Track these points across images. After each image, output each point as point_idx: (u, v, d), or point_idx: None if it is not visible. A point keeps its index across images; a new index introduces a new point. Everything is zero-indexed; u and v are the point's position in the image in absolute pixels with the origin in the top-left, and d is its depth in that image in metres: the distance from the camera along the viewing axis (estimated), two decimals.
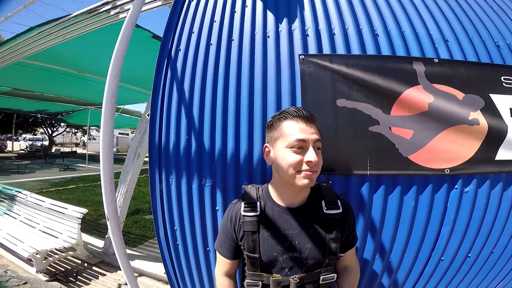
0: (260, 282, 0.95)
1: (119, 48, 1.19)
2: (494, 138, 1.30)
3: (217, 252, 1.07)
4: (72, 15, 2.89)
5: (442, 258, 1.39)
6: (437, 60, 1.36)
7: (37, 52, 3.66)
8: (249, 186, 1.04)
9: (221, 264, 1.06)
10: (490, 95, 1.34)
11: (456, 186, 1.32)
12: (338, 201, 0.98)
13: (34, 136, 22.71)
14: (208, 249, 1.49)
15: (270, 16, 1.51)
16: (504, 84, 1.36)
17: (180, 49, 1.56)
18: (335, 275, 0.98)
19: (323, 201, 0.97)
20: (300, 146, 0.86)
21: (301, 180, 0.86)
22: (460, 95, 1.32)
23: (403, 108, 1.28)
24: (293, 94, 1.37)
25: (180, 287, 1.66)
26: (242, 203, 0.99)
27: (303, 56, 1.38)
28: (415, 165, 1.27)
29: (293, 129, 0.88)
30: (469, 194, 1.33)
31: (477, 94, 1.33)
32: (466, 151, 1.28)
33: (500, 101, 1.34)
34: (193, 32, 1.57)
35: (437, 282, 1.45)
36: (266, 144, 0.98)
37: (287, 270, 0.94)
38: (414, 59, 1.35)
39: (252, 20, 1.52)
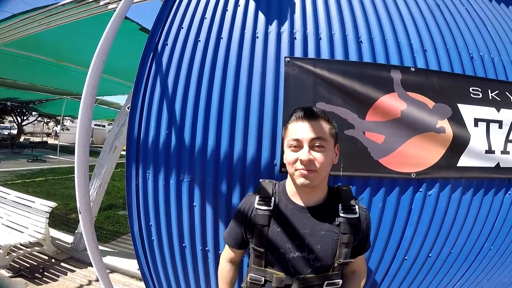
0: (263, 278, 0.94)
1: (104, 41, 1.16)
2: (458, 146, 1.40)
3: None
4: (60, 3, 2.77)
5: (406, 257, 1.47)
6: (414, 69, 1.44)
7: (16, 39, 3.47)
8: (267, 181, 1.03)
9: (226, 250, 1.09)
10: (458, 104, 1.44)
11: (420, 189, 1.41)
12: (356, 206, 0.96)
13: (1, 125, 21.23)
14: (184, 245, 1.49)
15: (261, 17, 1.53)
16: (471, 94, 1.47)
17: (167, 43, 1.54)
18: (341, 281, 0.96)
19: (340, 205, 0.95)
20: (297, 145, 0.87)
21: (298, 179, 0.87)
22: (430, 103, 1.41)
23: (377, 114, 1.35)
24: (276, 95, 1.41)
25: (154, 284, 1.65)
26: (257, 196, 0.98)
27: (288, 59, 1.41)
28: (385, 168, 1.35)
29: (293, 129, 0.89)
30: (432, 197, 1.42)
31: (446, 103, 1.42)
32: (432, 157, 1.37)
33: (466, 111, 1.44)
34: (182, 28, 1.57)
35: (401, 281, 1.52)
36: (282, 145, 1.01)
37: (292, 269, 0.92)
38: (392, 67, 1.42)
39: (243, 20, 1.53)
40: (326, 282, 0.92)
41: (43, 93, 9.21)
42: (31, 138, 20.96)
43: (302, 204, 0.95)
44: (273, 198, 0.97)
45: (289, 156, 0.88)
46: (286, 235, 0.93)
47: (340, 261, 0.91)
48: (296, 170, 0.87)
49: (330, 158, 0.89)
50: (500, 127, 1.48)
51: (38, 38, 3.62)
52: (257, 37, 1.50)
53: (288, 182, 0.99)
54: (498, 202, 1.52)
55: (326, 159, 0.87)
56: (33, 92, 8.62)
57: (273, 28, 1.50)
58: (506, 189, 1.53)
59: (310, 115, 0.89)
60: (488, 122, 1.46)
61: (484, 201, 1.50)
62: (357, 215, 0.94)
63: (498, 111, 1.48)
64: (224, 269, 1.09)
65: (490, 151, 1.45)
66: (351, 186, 1.04)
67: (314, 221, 0.93)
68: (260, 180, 1.04)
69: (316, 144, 0.86)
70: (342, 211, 0.93)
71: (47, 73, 5.74)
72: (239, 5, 1.57)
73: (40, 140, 19.89)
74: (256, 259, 0.95)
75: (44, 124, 23.92)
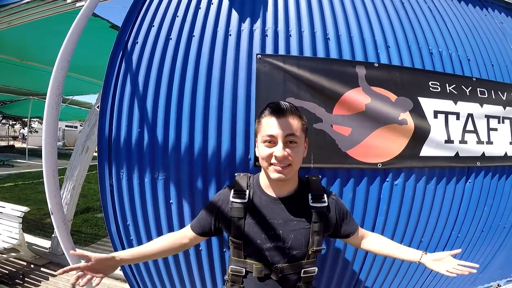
0: (244, 269, 0.98)
1: (69, 40, 1.14)
2: (419, 136, 1.50)
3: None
4: (24, 1, 2.62)
5: None
6: (377, 65, 1.51)
7: None
8: (241, 175, 1.06)
9: (182, 230, 1.10)
10: (418, 98, 1.53)
11: (387, 179, 1.49)
12: (325, 195, 1.01)
13: None
14: None
15: (234, 14, 1.54)
16: (431, 88, 1.57)
17: (137, 41, 1.52)
18: (316, 268, 1.01)
19: (309, 194, 0.99)
20: (271, 141, 0.89)
21: (272, 174, 0.91)
22: (393, 97, 1.49)
23: (343, 107, 1.42)
24: (248, 91, 1.44)
25: (138, 284, 1.64)
26: (232, 190, 1.01)
27: (260, 56, 1.45)
28: (352, 159, 1.42)
29: (267, 124, 0.90)
30: (398, 186, 1.51)
31: (407, 96, 1.51)
32: (396, 148, 1.46)
33: (426, 103, 1.54)
34: (153, 26, 1.55)
35: (378, 270, 1.60)
36: (255, 138, 1.02)
37: (269, 259, 0.96)
38: (357, 63, 1.49)
39: (216, 18, 1.54)
40: (302, 270, 0.97)
41: (6, 94, 8.68)
42: None
43: (275, 196, 0.98)
44: (247, 191, 1.00)
45: (263, 151, 0.90)
46: (261, 226, 0.96)
47: (313, 249, 0.96)
48: (270, 165, 0.90)
49: (301, 152, 0.93)
50: (458, 118, 1.59)
51: None
52: (230, 35, 1.51)
53: (262, 175, 1.02)
54: (460, 190, 1.63)
55: (298, 154, 0.91)
56: None
57: (246, 26, 1.52)
58: (466, 177, 1.63)
59: (284, 111, 0.90)
60: (446, 114, 1.57)
61: (447, 190, 1.60)
62: (325, 204, 0.99)
63: (455, 103, 1.60)
64: (167, 234, 1.12)
65: (449, 141, 1.56)
66: (320, 176, 1.09)
67: (287, 212, 0.97)
68: (235, 174, 1.07)
69: (290, 140, 0.89)
70: (311, 201, 0.98)
71: (10, 73, 5.43)
72: (212, 3, 1.58)
73: (6, 144, 18.70)
74: (235, 250, 0.99)
75: (10, 127, 22.58)
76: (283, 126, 0.89)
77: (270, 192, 0.99)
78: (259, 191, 1.01)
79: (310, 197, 0.99)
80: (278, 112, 0.90)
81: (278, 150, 0.87)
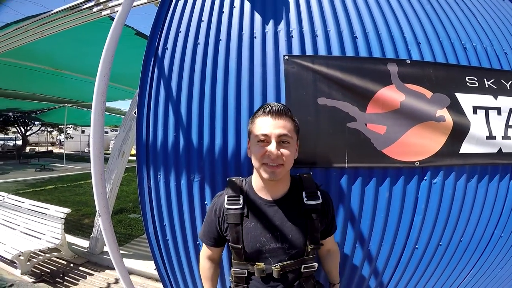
0: (246, 271, 1.01)
1: (108, 48, 1.21)
2: (458, 133, 1.43)
3: None
4: (53, 12, 2.82)
5: (417, 246, 1.50)
6: (409, 61, 1.47)
7: (11, 49, 3.52)
8: (234, 179, 1.09)
9: (205, 249, 1.15)
10: (456, 94, 1.47)
11: (425, 178, 1.44)
12: (318, 192, 1.03)
13: (6, 136, 21.49)
14: (198, 243, 1.54)
15: (257, 17, 1.56)
16: (468, 84, 1.50)
17: (167, 47, 1.58)
18: (316, 264, 1.04)
19: (303, 192, 1.02)
20: (265, 140, 0.93)
21: (264, 173, 0.93)
22: (428, 94, 1.44)
23: (377, 106, 1.39)
24: (277, 93, 1.45)
25: (171, 283, 1.70)
26: (226, 196, 1.04)
27: (287, 57, 1.45)
28: (389, 158, 1.38)
29: (261, 124, 0.94)
30: (437, 185, 1.45)
31: (444, 93, 1.45)
32: (434, 145, 1.41)
33: (464, 99, 1.47)
34: (180, 31, 1.60)
35: (413, 270, 1.55)
36: (248, 138, 1.05)
37: (270, 259, 0.99)
38: (389, 61, 1.46)
39: (239, 21, 1.57)
40: (303, 266, 1.00)
41: (43, 102, 9.30)
42: (37, 148, 21.20)
43: (270, 198, 1.01)
44: (241, 196, 1.02)
45: (256, 150, 0.94)
46: (259, 230, 0.99)
47: (312, 246, 0.99)
48: (263, 164, 0.93)
49: (294, 152, 0.97)
50: (499, 113, 1.50)
51: (33, 47, 3.66)
52: (255, 37, 1.53)
53: (254, 177, 1.04)
54: (504, 188, 1.53)
55: (291, 153, 0.95)
56: (33, 101, 8.72)
57: (269, 27, 1.54)
58: (510, 174, 1.54)
59: (277, 112, 0.94)
60: (486, 109, 1.48)
61: (490, 187, 1.51)
62: (320, 201, 1.01)
63: (496, 98, 1.51)
64: (204, 266, 1.15)
65: (491, 137, 1.47)
66: (311, 173, 1.12)
67: (283, 212, 1.00)
68: (228, 178, 1.10)
69: (283, 140, 0.93)
70: (306, 199, 1.00)
71: (45, 82, 5.80)
72: (234, 7, 1.61)
73: (46, 150, 20.11)
74: (236, 254, 1.02)
75: (48, 133, 24.15)
76: (277, 126, 0.92)
77: (264, 194, 1.02)
78: (253, 195, 1.03)
79: (304, 195, 1.00)
80: (271, 112, 0.94)
81: (273, 148, 0.90)
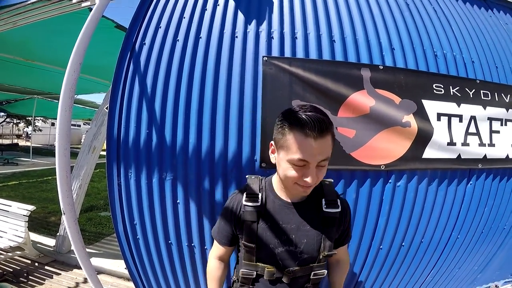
0: (255, 272, 0.98)
1: (80, 42, 1.16)
2: (422, 139, 1.52)
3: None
4: (30, 2, 2.65)
5: (381, 247, 1.57)
6: (382, 67, 1.53)
7: None
8: (253, 177, 1.04)
9: (216, 248, 1.09)
10: (422, 100, 1.55)
11: (390, 181, 1.52)
12: (338, 201, 0.99)
13: None
14: (170, 242, 1.52)
15: (241, 16, 1.56)
16: (434, 91, 1.58)
17: (145, 43, 1.54)
18: (326, 271, 1.02)
19: (323, 199, 0.97)
20: (302, 165, 0.81)
21: (295, 190, 0.89)
22: (397, 99, 1.51)
23: (348, 110, 1.44)
24: (254, 93, 1.46)
25: (143, 282, 1.67)
26: (244, 193, 1.00)
27: (266, 58, 1.47)
28: (356, 161, 1.44)
29: (299, 146, 0.79)
30: (401, 188, 1.53)
31: (411, 99, 1.53)
32: (399, 150, 1.49)
33: (430, 106, 1.56)
34: (160, 27, 1.57)
35: (379, 270, 1.62)
36: (272, 142, 0.92)
37: (280, 262, 0.96)
38: (363, 66, 1.51)
39: (222, 19, 1.56)
40: (312, 273, 0.98)
41: (11, 93, 8.72)
42: (0, 140, 19.80)
43: (289, 200, 0.98)
44: (260, 194, 0.98)
45: (290, 172, 0.83)
46: (274, 231, 0.95)
47: (325, 254, 0.95)
48: (295, 183, 0.85)
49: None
50: (461, 121, 1.61)
51: (3, 36, 3.43)
52: (236, 37, 1.53)
53: (275, 178, 1.01)
54: (461, 192, 1.64)
55: (323, 174, 0.86)
56: (0, 92, 8.15)
57: (252, 27, 1.54)
58: (467, 179, 1.65)
59: (322, 130, 0.77)
60: (449, 116, 1.58)
61: (448, 191, 1.61)
62: (339, 209, 0.97)
63: (459, 106, 1.61)
64: (213, 266, 1.09)
65: (451, 143, 1.57)
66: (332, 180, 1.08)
67: (300, 216, 0.96)
68: (247, 176, 1.06)
69: (322, 165, 0.83)
70: (325, 206, 0.96)
71: (14, 72, 5.44)
72: (218, 5, 1.59)
73: (10, 143, 18.80)
74: (247, 254, 0.98)
75: (14, 126, 22.66)
76: (320, 150, 0.79)
77: (283, 196, 0.98)
78: (272, 195, 0.99)
79: (323, 202, 0.96)
80: (316, 132, 0.77)
81: (312, 176, 0.81)
